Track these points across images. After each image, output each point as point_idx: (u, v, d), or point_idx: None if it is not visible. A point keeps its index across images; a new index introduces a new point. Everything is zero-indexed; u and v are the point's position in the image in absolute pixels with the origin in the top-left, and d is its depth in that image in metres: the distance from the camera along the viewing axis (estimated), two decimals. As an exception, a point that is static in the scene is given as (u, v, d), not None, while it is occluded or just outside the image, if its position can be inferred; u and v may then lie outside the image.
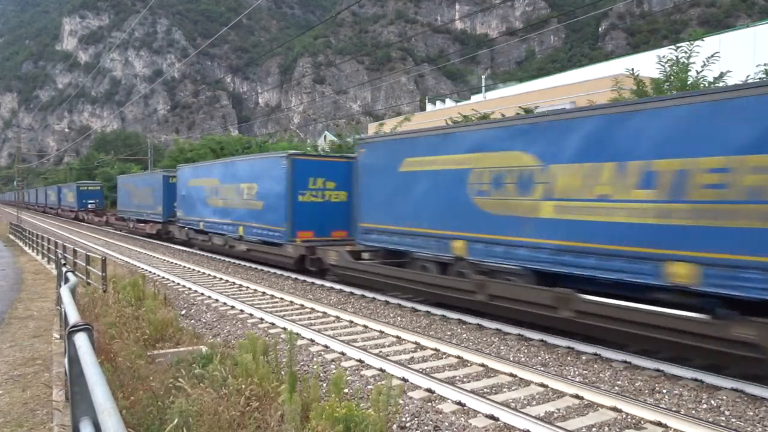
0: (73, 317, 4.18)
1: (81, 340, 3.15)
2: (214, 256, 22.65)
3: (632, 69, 14.95)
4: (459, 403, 6.57)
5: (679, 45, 14.31)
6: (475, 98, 46.89)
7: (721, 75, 13.75)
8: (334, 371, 7.94)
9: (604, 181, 8.58)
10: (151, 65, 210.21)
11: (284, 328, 10.50)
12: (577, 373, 7.78)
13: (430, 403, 6.64)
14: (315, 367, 7.88)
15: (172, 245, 27.43)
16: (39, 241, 23.44)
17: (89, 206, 48.92)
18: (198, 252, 24.30)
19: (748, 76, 13.55)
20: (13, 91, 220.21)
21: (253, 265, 19.25)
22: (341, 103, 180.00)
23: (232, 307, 12.59)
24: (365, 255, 14.28)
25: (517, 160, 10.02)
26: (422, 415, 6.29)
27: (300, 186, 16.53)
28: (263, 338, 7.98)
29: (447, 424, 6.05)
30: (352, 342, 9.39)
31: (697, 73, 13.82)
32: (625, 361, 8.10)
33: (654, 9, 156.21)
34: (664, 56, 14.33)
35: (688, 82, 13.81)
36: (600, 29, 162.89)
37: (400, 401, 5.84)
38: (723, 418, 6.22)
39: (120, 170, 62.02)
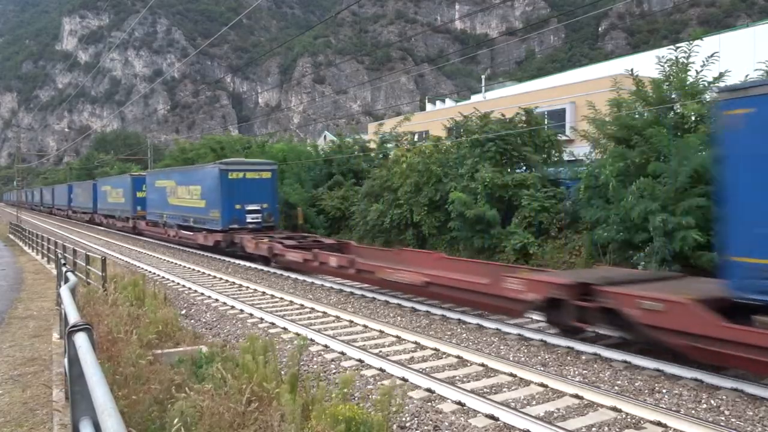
0: (73, 317, 4.18)
1: (81, 339, 3.15)
2: (214, 255, 22.62)
3: (632, 69, 14.92)
4: (459, 403, 6.57)
5: (678, 45, 14.28)
6: (475, 98, 46.88)
7: (721, 75, 13.73)
8: (334, 371, 7.95)
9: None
10: (151, 65, 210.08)
11: (284, 328, 10.51)
12: (577, 372, 7.78)
13: (430, 403, 6.64)
14: (315, 367, 7.89)
15: (170, 245, 27.35)
16: (39, 241, 23.44)
17: (250, 221, 21.71)
18: (198, 252, 24.27)
19: (747, 76, 13.52)
20: (13, 91, 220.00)
21: (253, 265, 19.24)
22: (341, 103, 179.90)
23: (232, 307, 12.59)
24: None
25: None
26: (422, 414, 6.29)
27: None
28: (263, 338, 7.98)
29: (447, 423, 6.06)
30: (351, 342, 9.39)
31: (697, 73, 13.80)
32: (625, 361, 8.10)
33: (654, 9, 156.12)
34: (663, 56, 14.30)
35: (688, 82, 13.79)
36: (600, 29, 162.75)
37: (400, 401, 5.84)
38: (723, 418, 6.22)
39: (120, 170, 61.79)
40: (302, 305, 12.66)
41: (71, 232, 37.17)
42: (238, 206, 21.50)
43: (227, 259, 21.40)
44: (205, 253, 23.49)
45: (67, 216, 53.42)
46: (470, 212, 16.49)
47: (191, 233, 24.09)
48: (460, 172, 18.31)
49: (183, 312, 12.25)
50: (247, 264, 19.79)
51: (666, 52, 14.42)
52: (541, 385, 7.19)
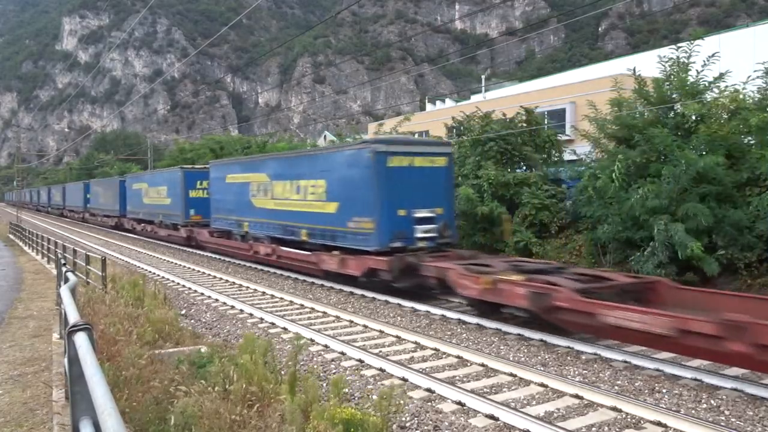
0: (73, 317, 4.18)
1: (81, 339, 3.15)
2: (214, 255, 22.60)
3: (634, 68, 14.89)
4: (459, 403, 6.57)
5: (680, 45, 14.29)
6: (475, 98, 46.87)
7: (721, 75, 13.73)
8: (334, 371, 7.94)
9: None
10: (151, 65, 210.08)
11: (284, 328, 10.50)
12: (577, 372, 7.78)
13: (430, 403, 6.64)
14: (315, 367, 7.88)
15: (171, 245, 27.32)
16: (39, 241, 23.43)
17: (421, 236, 13.39)
18: (197, 252, 24.25)
19: (749, 77, 13.53)
20: (13, 91, 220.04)
21: (253, 265, 19.23)
22: (341, 103, 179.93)
23: (232, 307, 12.59)
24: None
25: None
26: (422, 414, 6.29)
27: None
28: (263, 339, 7.98)
29: (447, 423, 6.05)
30: (352, 342, 9.39)
31: (698, 73, 13.81)
32: (625, 361, 8.10)
33: (654, 9, 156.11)
34: (664, 56, 14.31)
35: (689, 82, 13.79)
36: (600, 29, 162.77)
37: (400, 401, 5.84)
38: (723, 418, 6.22)
39: (120, 170, 61.82)
40: (302, 305, 12.66)
41: (71, 232, 37.16)
42: (401, 212, 13.28)
43: (226, 259, 21.28)
44: (204, 254, 23.41)
45: (83, 219, 46.30)
46: (481, 209, 16.52)
47: (307, 254, 15.55)
48: (464, 172, 18.35)
49: (183, 312, 12.25)
50: (247, 264, 19.69)
51: (668, 51, 14.42)
52: (541, 385, 7.19)
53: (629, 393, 6.95)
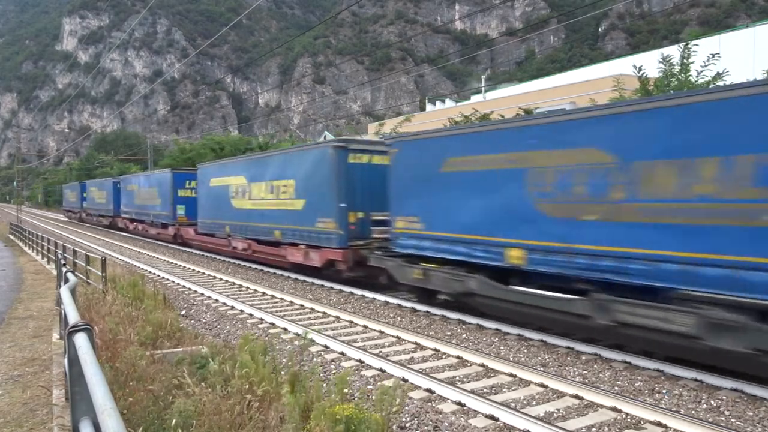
0: (73, 317, 4.18)
1: (81, 340, 3.15)
2: (214, 256, 22.61)
3: (640, 67, 14.83)
4: (459, 403, 6.57)
5: (682, 44, 14.32)
6: (475, 98, 46.88)
7: (719, 75, 13.75)
8: (334, 371, 7.94)
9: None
10: (151, 65, 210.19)
11: (284, 329, 10.50)
12: (576, 373, 7.78)
13: (430, 403, 6.64)
14: (316, 367, 7.88)
15: (171, 245, 27.31)
16: (39, 242, 23.43)
17: None
18: (197, 252, 24.26)
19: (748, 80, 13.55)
20: (13, 91, 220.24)
21: (253, 266, 19.24)
22: (341, 103, 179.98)
23: (232, 308, 12.59)
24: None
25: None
26: (422, 415, 6.29)
27: None
28: (262, 338, 7.98)
29: (447, 424, 6.05)
30: (352, 342, 9.39)
31: (698, 73, 13.83)
32: (625, 361, 8.10)
33: (654, 9, 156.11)
34: (667, 56, 14.34)
35: (692, 81, 13.80)
36: (600, 29, 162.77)
37: (400, 400, 5.83)
38: (723, 418, 6.22)
39: (120, 170, 61.74)
40: (302, 306, 12.66)
41: (71, 233, 37.15)
42: None
43: (226, 259, 21.32)
44: (204, 254, 23.44)
45: (130, 230, 33.81)
46: None
47: None
48: None
49: (183, 312, 12.25)
50: (247, 264, 19.74)
51: (669, 51, 14.45)
52: (541, 385, 7.19)
53: (629, 393, 6.95)
